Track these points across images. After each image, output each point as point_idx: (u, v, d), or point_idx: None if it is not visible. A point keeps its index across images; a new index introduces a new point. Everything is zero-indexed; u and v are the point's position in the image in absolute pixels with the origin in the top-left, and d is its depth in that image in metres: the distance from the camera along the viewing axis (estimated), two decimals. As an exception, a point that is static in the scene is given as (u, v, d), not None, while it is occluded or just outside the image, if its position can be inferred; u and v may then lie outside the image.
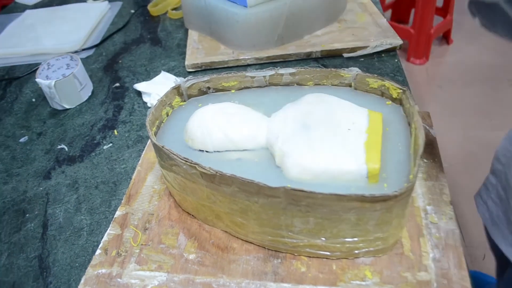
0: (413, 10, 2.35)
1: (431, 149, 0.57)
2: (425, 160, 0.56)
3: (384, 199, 0.39)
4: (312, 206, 0.40)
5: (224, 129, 0.50)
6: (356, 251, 0.44)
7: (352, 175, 0.44)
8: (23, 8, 1.29)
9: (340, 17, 0.92)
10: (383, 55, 0.82)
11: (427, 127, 0.61)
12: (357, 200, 0.39)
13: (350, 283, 0.43)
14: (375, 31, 0.86)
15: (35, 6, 1.31)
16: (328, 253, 0.45)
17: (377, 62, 0.80)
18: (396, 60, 0.80)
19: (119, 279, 0.46)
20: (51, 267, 0.51)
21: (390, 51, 0.82)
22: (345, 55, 0.83)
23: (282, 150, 0.47)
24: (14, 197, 0.62)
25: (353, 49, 0.82)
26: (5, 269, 0.52)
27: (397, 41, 0.81)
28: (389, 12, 2.49)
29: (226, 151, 0.51)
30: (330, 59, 0.83)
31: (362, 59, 0.82)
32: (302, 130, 0.48)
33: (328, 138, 0.46)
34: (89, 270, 0.48)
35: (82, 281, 0.47)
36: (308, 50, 0.83)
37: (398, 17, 2.45)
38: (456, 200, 1.49)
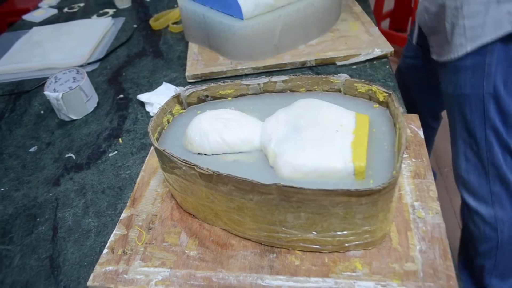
0: (410, 19, 2.40)
1: (419, 149, 0.60)
2: (414, 160, 0.59)
3: (368, 193, 0.42)
4: (302, 201, 0.43)
5: (220, 133, 0.53)
6: (347, 244, 0.47)
7: (340, 173, 0.47)
8: (31, 25, 1.34)
9: (333, 27, 0.96)
10: (375, 62, 0.85)
11: (416, 129, 0.64)
12: (343, 195, 0.42)
13: (342, 274, 0.46)
14: (367, 40, 0.89)
15: (42, 23, 1.37)
16: (320, 246, 0.48)
17: (369, 69, 0.84)
18: (387, 67, 0.84)
19: (125, 275, 0.49)
20: (62, 267, 0.54)
21: (382, 58, 0.86)
22: (338, 63, 0.86)
23: (275, 151, 0.50)
24: (25, 203, 0.66)
25: (346, 57, 0.86)
26: (18, 269, 0.55)
27: (388, 48, 0.85)
28: (387, 21, 2.53)
29: (223, 153, 0.54)
30: (324, 67, 0.87)
31: (355, 67, 0.85)
32: (293, 132, 0.51)
33: (317, 139, 0.49)
34: (97, 268, 0.51)
35: (90, 278, 0.50)
36: (303, 59, 0.87)
37: (396, 26, 2.49)
38: (456, 206, 1.51)
